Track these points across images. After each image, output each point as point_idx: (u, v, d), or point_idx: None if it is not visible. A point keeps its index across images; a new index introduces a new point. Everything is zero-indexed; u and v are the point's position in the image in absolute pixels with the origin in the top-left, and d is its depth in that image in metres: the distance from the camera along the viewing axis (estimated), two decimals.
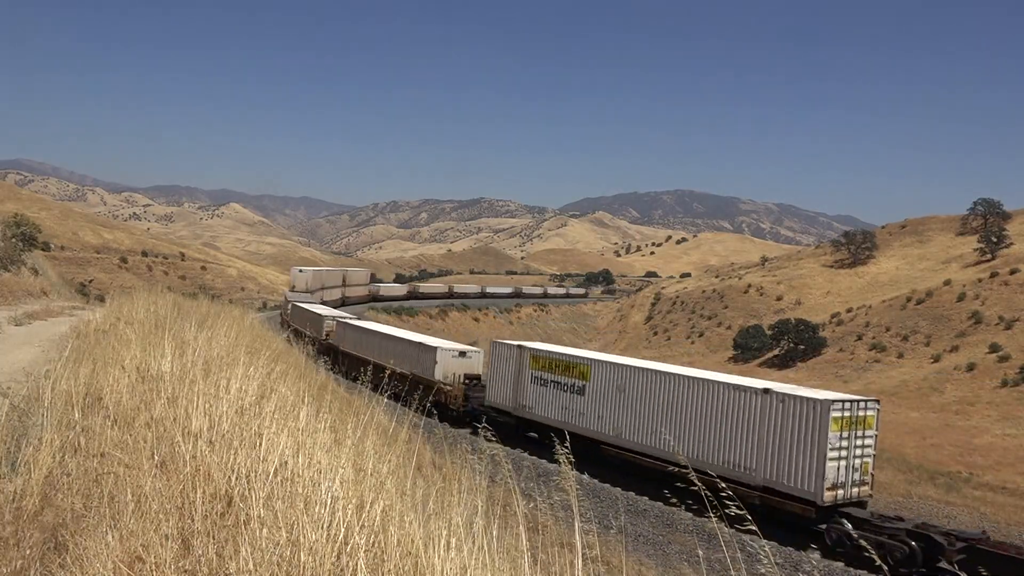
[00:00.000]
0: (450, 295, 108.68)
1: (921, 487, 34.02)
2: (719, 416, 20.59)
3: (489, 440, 6.00)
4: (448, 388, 31.71)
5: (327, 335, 45.68)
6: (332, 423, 6.07)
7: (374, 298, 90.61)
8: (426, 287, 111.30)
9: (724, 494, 4.56)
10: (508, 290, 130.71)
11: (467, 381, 32.28)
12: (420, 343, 35.47)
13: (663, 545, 19.94)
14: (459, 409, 31.11)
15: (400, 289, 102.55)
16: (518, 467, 22.37)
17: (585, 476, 25.51)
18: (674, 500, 21.03)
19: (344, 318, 47.65)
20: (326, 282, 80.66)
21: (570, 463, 4.92)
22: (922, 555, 16.66)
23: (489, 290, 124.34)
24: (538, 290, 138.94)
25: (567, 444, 5.27)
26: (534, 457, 27.14)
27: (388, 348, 37.11)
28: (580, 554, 3.95)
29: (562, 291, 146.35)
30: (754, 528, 4.31)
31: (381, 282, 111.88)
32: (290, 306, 61.84)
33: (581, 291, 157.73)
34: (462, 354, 33.51)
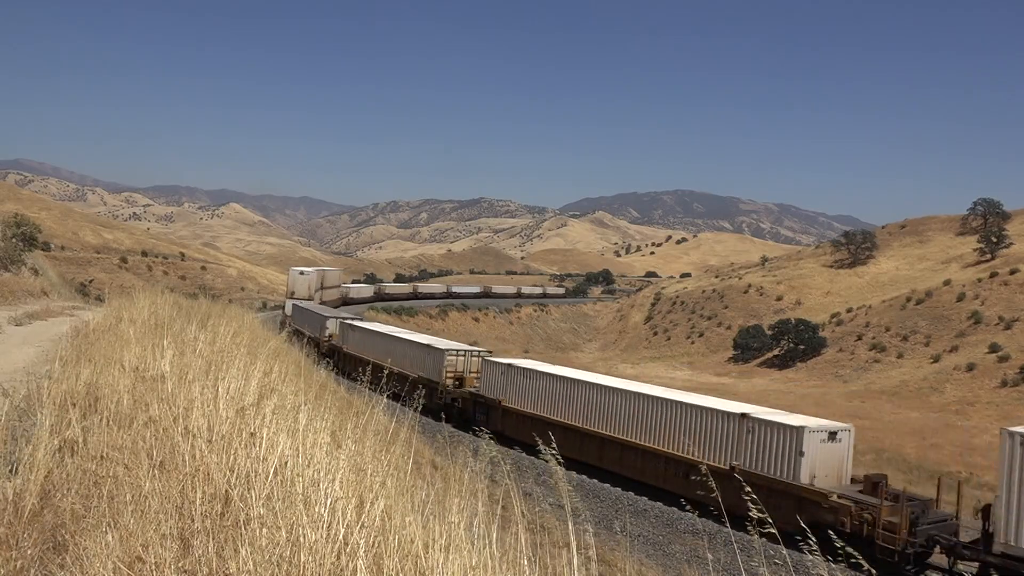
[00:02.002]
0: (415, 295, 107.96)
1: (921, 487, 34.03)
2: None
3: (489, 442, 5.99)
4: (851, 506, 18.44)
5: (456, 379, 33.91)
6: (332, 423, 6.06)
7: (344, 301, 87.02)
8: (391, 288, 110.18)
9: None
10: (475, 289, 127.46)
11: (874, 488, 18.79)
12: (767, 421, 20.95)
13: (664, 545, 19.95)
14: (903, 550, 17.49)
15: (368, 290, 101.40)
16: (519, 468, 22.38)
17: (583, 477, 25.54)
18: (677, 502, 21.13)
19: (489, 356, 35.06)
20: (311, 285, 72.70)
21: (558, 462, 4.93)
22: None
23: (455, 289, 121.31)
24: (510, 289, 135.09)
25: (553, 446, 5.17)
26: (532, 458, 27.10)
27: (651, 416, 24.31)
28: (574, 551, 3.95)
29: (538, 291, 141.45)
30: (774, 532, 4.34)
31: (351, 283, 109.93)
32: (332, 323, 47.59)
33: (560, 290, 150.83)
34: (832, 436, 20.20)
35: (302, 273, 67.87)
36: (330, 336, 46.77)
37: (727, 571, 16.71)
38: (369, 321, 51.51)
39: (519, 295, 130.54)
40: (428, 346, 36.84)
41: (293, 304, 60.94)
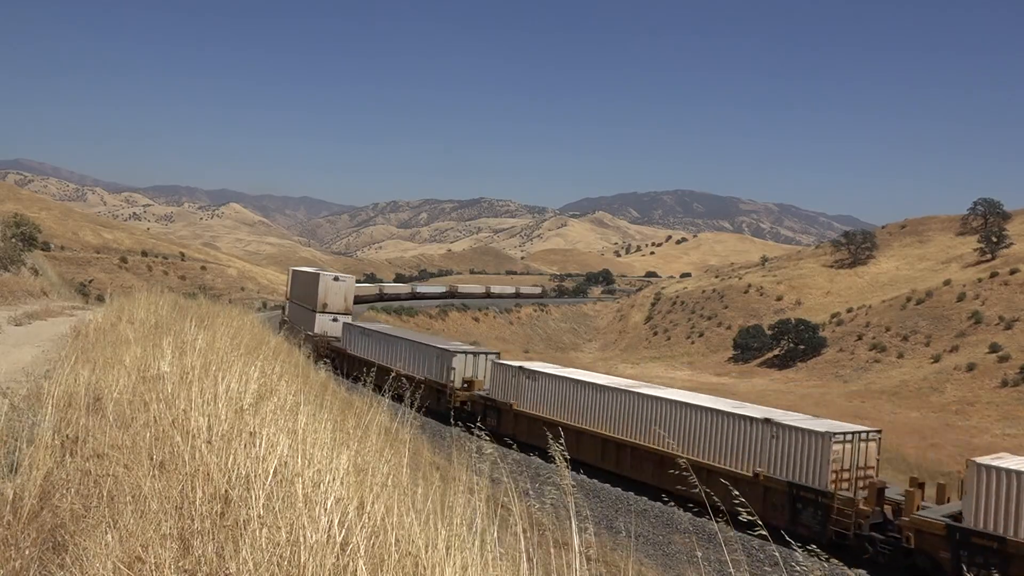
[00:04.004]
0: (380, 297, 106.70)
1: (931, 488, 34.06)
2: None
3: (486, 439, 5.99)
4: None
5: (874, 489, 20.10)
6: (332, 423, 6.06)
7: None
8: (358, 290, 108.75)
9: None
10: (441, 290, 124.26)
11: None
12: None
13: (663, 545, 19.96)
14: None
15: None
16: (518, 467, 22.34)
17: (583, 477, 25.53)
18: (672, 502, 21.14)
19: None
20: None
21: (565, 461, 4.94)
22: None
23: (420, 290, 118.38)
24: (479, 289, 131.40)
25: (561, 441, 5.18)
26: (533, 457, 27.13)
27: None
28: (577, 553, 3.95)
29: (510, 290, 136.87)
30: (764, 532, 4.37)
31: None
32: (463, 361, 33.28)
33: (536, 290, 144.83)
34: None
35: (337, 279, 50.81)
36: (468, 384, 32.83)
37: (726, 570, 16.71)
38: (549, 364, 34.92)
39: (488, 295, 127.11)
40: (784, 426, 21.30)
41: (344, 323, 46.70)
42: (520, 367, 30.54)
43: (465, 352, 34.29)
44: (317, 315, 47.85)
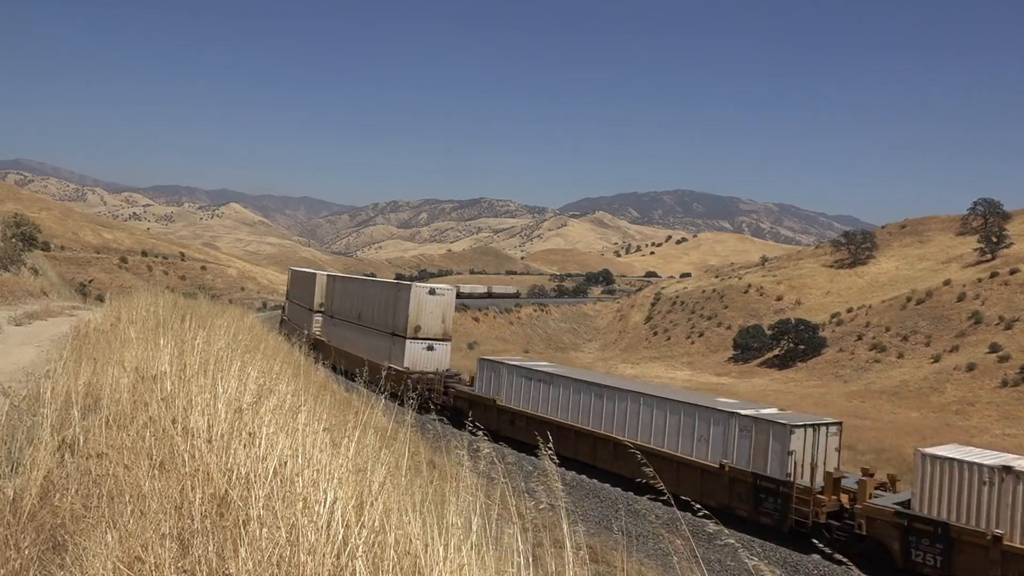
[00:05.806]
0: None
1: None
2: None
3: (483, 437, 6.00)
4: None
5: None
6: (331, 423, 6.07)
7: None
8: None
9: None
10: (484, 289, 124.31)
11: None
12: None
13: (663, 545, 19.94)
14: None
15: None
16: (516, 466, 22.34)
17: (583, 477, 25.53)
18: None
19: None
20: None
21: (553, 462, 4.95)
22: None
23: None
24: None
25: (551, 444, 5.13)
26: (531, 456, 27.16)
27: None
28: (570, 550, 3.96)
29: (481, 289, 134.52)
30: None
31: None
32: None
33: (510, 290, 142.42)
34: None
35: (433, 292, 38.13)
36: (836, 481, 19.78)
37: (726, 571, 16.75)
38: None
39: (457, 296, 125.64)
40: None
41: (484, 361, 32.41)
42: (1005, 467, 16.54)
43: (804, 425, 20.53)
44: (408, 343, 36.03)
